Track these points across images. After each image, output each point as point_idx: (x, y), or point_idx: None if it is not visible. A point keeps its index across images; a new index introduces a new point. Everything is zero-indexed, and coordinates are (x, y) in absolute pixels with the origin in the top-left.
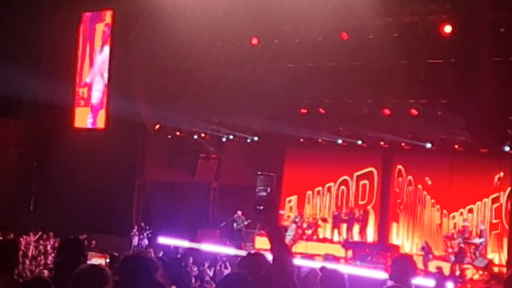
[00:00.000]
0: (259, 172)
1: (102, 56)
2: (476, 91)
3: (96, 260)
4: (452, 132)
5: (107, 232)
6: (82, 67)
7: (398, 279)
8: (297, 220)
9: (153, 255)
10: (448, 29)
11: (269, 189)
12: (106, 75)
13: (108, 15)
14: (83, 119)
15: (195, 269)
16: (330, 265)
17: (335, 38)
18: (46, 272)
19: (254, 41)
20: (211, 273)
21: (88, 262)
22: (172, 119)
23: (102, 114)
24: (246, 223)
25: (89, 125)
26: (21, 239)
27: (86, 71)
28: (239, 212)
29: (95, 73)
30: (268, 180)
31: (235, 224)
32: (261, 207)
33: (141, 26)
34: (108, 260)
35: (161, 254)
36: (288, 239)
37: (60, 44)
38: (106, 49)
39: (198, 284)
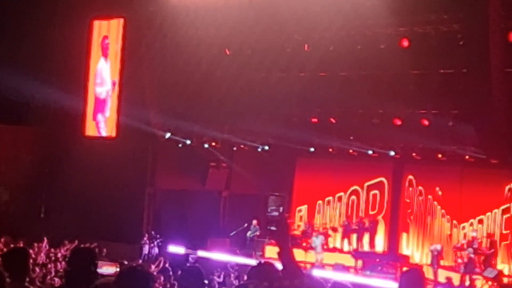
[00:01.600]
0: (271, 193)
1: (107, 65)
2: (488, 102)
3: (107, 268)
4: (463, 142)
5: (118, 240)
6: (89, 76)
7: None
8: (307, 230)
9: (163, 264)
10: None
11: (281, 209)
12: (111, 83)
13: (115, 24)
14: (94, 127)
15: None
16: (339, 276)
17: (346, 48)
18: (57, 280)
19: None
20: (221, 281)
21: (99, 270)
22: (183, 128)
23: (112, 123)
24: (257, 233)
25: (99, 134)
26: (32, 246)
27: (93, 80)
28: (255, 222)
29: (102, 82)
30: (280, 200)
31: (249, 232)
32: (273, 228)
33: (153, 35)
34: (118, 269)
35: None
36: (318, 254)
37: (71, 51)
38: (109, 58)
39: None
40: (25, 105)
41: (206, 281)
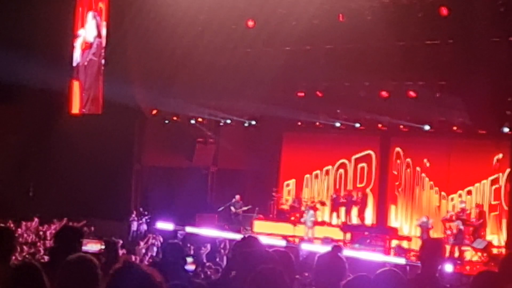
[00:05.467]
0: None
1: (95, 39)
2: (475, 72)
3: (92, 245)
4: (451, 113)
5: (106, 217)
6: (74, 53)
7: (427, 263)
8: (295, 204)
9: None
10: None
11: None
12: (97, 58)
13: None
14: (79, 104)
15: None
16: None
17: (331, 21)
18: (46, 258)
19: (250, 23)
20: (209, 256)
21: (84, 247)
22: (169, 104)
23: (97, 100)
24: (245, 208)
25: (85, 111)
26: (21, 225)
27: (78, 54)
28: (237, 197)
29: (87, 57)
30: None
31: (232, 208)
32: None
33: (136, 9)
34: (103, 246)
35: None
36: (308, 224)
37: (55, 27)
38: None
39: (198, 270)
40: (9, 84)
41: (189, 257)
